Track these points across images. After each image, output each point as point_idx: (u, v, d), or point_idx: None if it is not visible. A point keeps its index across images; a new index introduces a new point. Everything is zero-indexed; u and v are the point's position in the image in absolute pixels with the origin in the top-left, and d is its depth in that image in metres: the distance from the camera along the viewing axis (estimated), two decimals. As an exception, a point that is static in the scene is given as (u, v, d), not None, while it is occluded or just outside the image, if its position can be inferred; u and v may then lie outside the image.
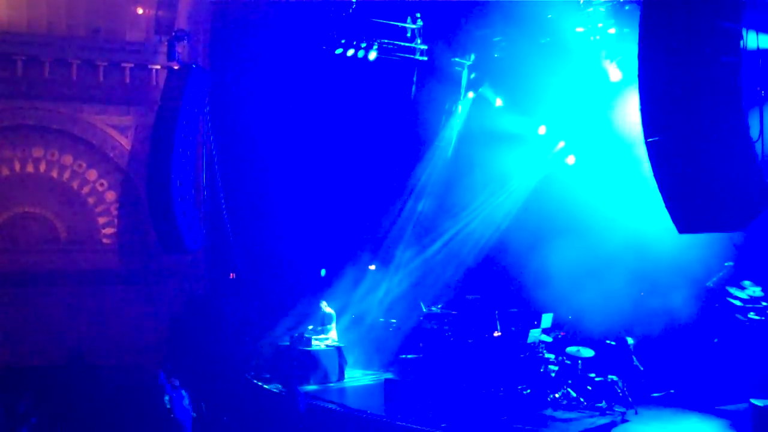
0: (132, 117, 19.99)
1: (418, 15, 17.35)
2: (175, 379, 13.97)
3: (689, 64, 9.01)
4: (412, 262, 18.96)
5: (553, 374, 13.48)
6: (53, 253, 19.40)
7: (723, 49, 8.84)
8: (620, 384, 12.97)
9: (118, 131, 19.93)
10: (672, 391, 13.96)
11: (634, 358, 13.54)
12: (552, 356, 13.75)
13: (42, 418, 14.19)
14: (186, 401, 13.80)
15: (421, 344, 16.65)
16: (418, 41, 17.47)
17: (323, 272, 19.58)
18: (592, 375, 13.25)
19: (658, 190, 9.64)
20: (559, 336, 14.43)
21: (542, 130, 17.58)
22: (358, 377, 16.93)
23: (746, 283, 13.26)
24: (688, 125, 9.11)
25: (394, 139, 18.77)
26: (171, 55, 17.57)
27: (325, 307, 17.18)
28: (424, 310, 16.67)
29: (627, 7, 13.76)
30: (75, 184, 19.75)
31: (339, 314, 17.44)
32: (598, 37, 14.85)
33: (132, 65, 19.80)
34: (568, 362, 13.50)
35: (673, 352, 14.26)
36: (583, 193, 15.81)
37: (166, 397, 13.74)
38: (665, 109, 9.35)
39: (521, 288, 16.69)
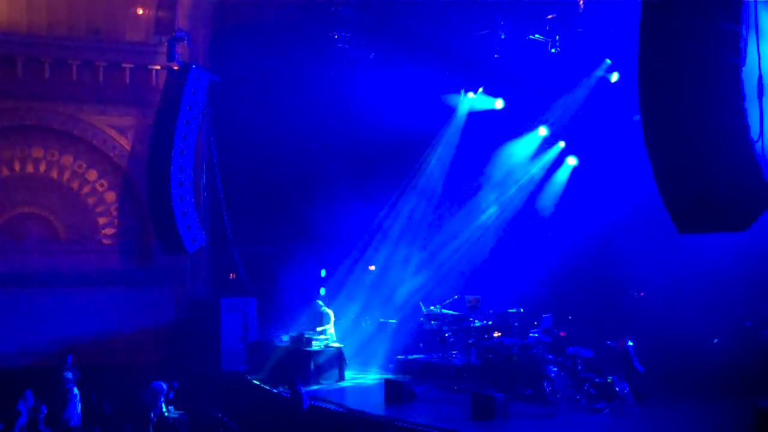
0: (132, 117, 19.98)
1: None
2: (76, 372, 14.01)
3: (689, 63, 9.00)
4: (412, 263, 18.95)
5: (552, 374, 13.46)
6: (53, 253, 19.39)
7: (723, 49, 8.83)
8: (620, 385, 12.94)
9: (118, 131, 19.92)
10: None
11: (634, 360, 13.53)
12: (552, 356, 13.74)
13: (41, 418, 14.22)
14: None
15: (421, 344, 16.65)
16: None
17: (323, 272, 19.58)
18: (592, 375, 13.23)
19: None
20: (560, 336, 14.42)
21: (542, 131, 17.62)
22: (358, 377, 16.91)
23: None
24: (688, 125, 9.10)
25: (394, 139, 18.76)
26: (171, 55, 17.53)
27: (324, 308, 17.16)
28: (424, 310, 16.65)
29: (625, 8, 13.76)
30: (75, 185, 19.74)
31: (338, 314, 17.42)
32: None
33: (132, 65, 19.80)
34: (569, 362, 13.48)
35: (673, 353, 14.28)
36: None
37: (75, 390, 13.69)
38: (665, 109, 9.34)
39: (521, 288, 16.70)
